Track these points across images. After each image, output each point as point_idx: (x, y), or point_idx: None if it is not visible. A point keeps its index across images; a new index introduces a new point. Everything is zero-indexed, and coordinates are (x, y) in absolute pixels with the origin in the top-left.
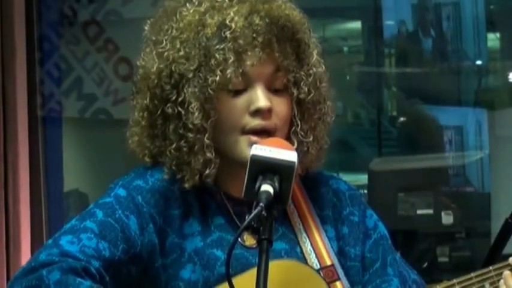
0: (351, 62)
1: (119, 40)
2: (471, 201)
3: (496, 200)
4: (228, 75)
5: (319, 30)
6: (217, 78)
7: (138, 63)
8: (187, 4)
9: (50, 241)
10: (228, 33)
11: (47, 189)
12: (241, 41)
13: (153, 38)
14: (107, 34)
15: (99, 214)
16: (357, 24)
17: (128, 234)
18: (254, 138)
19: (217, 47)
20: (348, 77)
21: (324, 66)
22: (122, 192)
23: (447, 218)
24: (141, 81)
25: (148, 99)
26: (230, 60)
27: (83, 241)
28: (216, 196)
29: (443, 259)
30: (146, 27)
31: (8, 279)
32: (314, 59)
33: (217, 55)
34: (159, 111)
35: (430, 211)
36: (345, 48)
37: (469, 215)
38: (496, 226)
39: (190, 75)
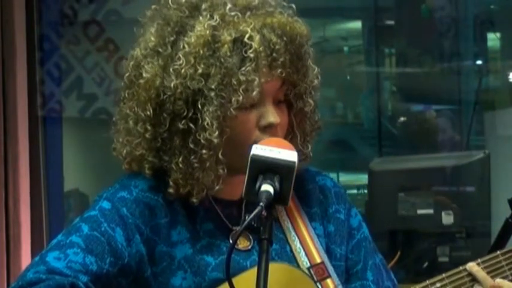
0: (351, 62)
1: (119, 40)
2: (471, 201)
3: (496, 200)
4: (253, 95)
5: (319, 30)
6: (240, 98)
7: (144, 75)
8: (200, 17)
9: (37, 258)
10: (250, 53)
11: (47, 189)
12: (264, 62)
13: (160, 50)
14: (107, 34)
15: (85, 228)
16: (357, 24)
17: (114, 247)
18: None
19: (242, 69)
20: (348, 77)
21: (319, 77)
22: (106, 205)
23: (447, 218)
24: (140, 91)
25: (151, 111)
26: (256, 82)
27: (70, 256)
28: (204, 201)
29: (443, 259)
30: (152, 38)
31: (8, 279)
32: (316, 71)
33: (240, 76)
34: (166, 125)
35: (430, 211)
36: (345, 48)
37: (469, 215)
38: (496, 226)
39: (212, 94)
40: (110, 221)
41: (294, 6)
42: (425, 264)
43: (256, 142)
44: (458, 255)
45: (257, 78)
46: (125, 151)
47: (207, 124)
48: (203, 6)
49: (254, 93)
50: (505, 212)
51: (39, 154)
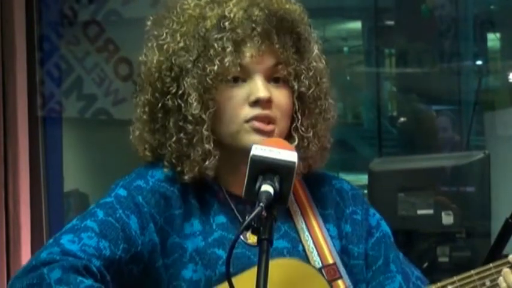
0: (351, 62)
1: (119, 40)
2: (471, 201)
3: (496, 200)
4: (227, 65)
5: (319, 30)
6: (216, 67)
7: (140, 58)
8: None
9: (51, 240)
10: (227, 24)
11: (47, 189)
12: (239, 31)
13: (155, 33)
14: (107, 34)
15: (100, 214)
16: (357, 24)
17: (128, 234)
18: (257, 123)
19: (216, 36)
20: (348, 77)
21: (324, 62)
22: (122, 192)
23: (447, 218)
24: (143, 77)
25: (149, 94)
26: (228, 49)
27: (84, 240)
28: (218, 194)
29: (443, 259)
30: (148, 23)
31: (8, 279)
32: (314, 53)
33: (215, 45)
34: (159, 105)
35: (430, 211)
36: (345, 48)
37: (469, 215)
38: (496, 226)
39: (190, 66)
40: (125, 208)
41: None
42: (426, 264)
43: (246, 117)
44: (458, 255)
45: (231, 47)
46: (132, 137)
47: (190, 98)
48: None
49: (226, 60)
50: (505, 212)
51: (39, 154)
